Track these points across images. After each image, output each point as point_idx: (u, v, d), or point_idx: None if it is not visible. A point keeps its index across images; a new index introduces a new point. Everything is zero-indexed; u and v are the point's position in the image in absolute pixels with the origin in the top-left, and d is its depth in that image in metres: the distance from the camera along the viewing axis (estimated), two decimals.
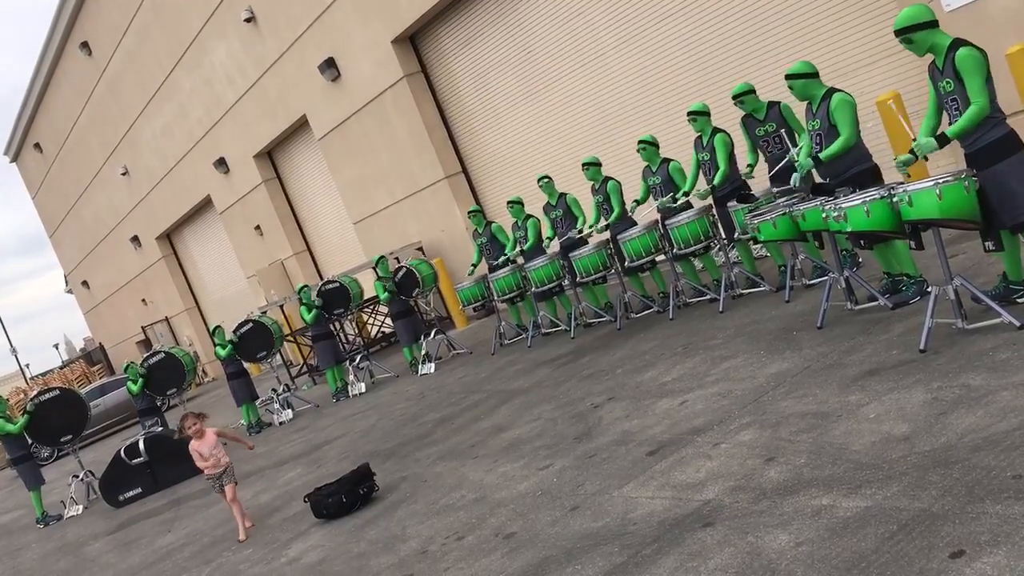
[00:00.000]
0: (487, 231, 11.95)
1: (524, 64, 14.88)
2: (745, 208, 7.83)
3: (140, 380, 13.21)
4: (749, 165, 8.27)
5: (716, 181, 8.56)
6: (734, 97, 7.99)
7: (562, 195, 10.66)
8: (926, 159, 5.25)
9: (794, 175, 6.71)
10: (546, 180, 10.70)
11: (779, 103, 7.95)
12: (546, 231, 11.13)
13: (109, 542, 9.23)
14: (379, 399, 11.80)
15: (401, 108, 17.00)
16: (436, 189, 17.09)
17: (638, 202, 9.70)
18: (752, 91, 7.97)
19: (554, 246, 11.52)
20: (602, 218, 10.11)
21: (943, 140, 5.13)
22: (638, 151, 9.34)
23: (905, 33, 5.26)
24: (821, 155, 6.47)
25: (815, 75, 6.71)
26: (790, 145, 7.36)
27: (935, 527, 3.24)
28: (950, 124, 5.29)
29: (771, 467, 4.34)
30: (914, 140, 5.42)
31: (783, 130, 7.74)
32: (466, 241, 16.34)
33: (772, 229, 6.82)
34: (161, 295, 32.54)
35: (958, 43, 5.13)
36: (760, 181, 8.90)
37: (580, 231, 10.44)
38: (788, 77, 6.71)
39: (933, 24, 5.24)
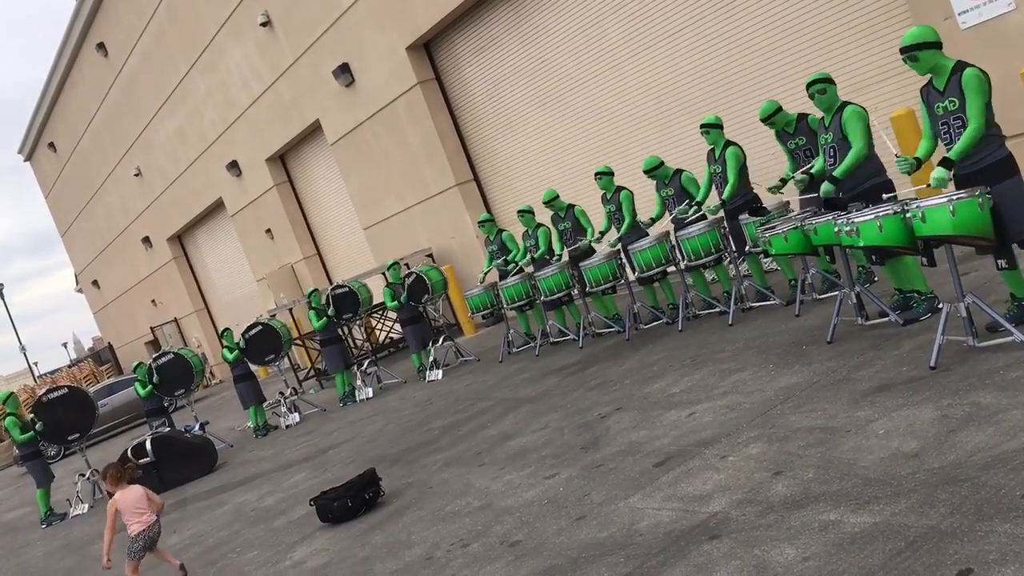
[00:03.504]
0: (498, 239, 11.97)
1: (538, 73, 14.92)
2: (757, 221, 7.82)
3: (149, 385, 13.30)
4: (789, 176, 7.83)
5: (725, 195, 8.53)
6: (763, 120, 7.76)
7: (570, 207, 10.70)
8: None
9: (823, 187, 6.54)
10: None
11: (807, 116, 7.69)
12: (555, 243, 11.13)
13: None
14: (386, 404, 11.81)
15: (414, 115, 17.05)
16: (447, 196, 17.13)
17: (653, 219, 9.68)
18: (777, 110, 7.72)
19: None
20: (613, 228, 10.14)
21: (948, 163, 5.12)
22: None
23: (911, 51, 5.28)
24: (836, 172, 6.39)
25: (834, 84, 6.70)
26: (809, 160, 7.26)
27: (943, 545, 3.23)
28: (948, 143, 5.31)
29: (779, 481, 4.33)
30: (896, 156, 5.43)
31: (811, 145, 7.60)
32: (476, 248, 16.36)
33: (783, 243, 6.81)
34: (171, 296, 32.66)
35: (963, 64, 5.20)
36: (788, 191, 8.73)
37: (590, 242, 10.44)
38: (814, 83, 6.63)
39: (938, 45, 5.29)
